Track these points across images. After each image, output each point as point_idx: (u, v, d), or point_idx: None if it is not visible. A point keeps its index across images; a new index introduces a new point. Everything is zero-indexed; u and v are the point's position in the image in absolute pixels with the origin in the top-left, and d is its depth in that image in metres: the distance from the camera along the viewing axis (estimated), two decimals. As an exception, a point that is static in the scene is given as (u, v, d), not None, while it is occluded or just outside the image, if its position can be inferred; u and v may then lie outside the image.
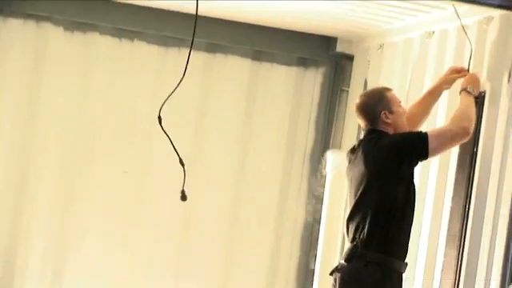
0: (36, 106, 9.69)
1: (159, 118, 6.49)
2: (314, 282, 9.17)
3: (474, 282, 6.20)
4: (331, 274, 6.89)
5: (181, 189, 6.59)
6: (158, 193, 9.65)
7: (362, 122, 6.85)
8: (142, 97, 9.27)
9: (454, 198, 6.97)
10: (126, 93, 9.57)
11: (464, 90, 6.51)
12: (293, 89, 9.92)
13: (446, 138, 6.49)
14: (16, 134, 9.66)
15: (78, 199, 9.83)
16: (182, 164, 6.55)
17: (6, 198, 9.66)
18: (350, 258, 6.65)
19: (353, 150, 6.94)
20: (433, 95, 6.93)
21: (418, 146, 6.44)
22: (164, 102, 6.48)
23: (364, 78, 9.03)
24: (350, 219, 6.73)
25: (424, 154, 6.44)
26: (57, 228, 9.85)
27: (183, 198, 6.63)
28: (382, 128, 6.68)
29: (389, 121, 6.66)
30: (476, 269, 6.22)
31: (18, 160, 9.70)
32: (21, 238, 9.75)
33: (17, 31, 9.56)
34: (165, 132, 6.49)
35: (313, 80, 9.93)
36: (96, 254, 9.82)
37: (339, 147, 9.32)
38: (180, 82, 6.48)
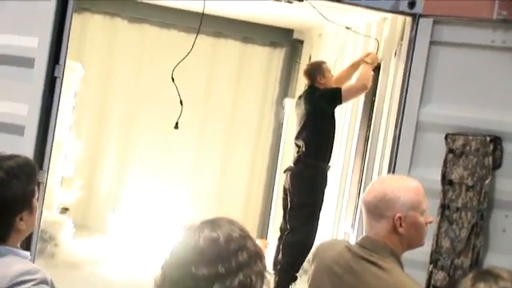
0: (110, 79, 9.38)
1: (172, 78, 6.63)
2: (276, 176, 9.20)
3: (372, 175, 6.34)
4: (285, 171, 7.12)
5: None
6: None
7: (306, 81, 7.07)
8: (170, 65, 8.90)
9: (360, 127, 7.08)
10: (161, 64, 8.81)
11: (365, 61, 6.73)
12: (266, 60, 9.88)
13: (353, 91, 6.76)
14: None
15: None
16: (181, 103, 6.68)
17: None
18: (296, 162, 6.89)
19: (300, 97, 7.18)
20: (354, 67, 7.00)
21: (335, 96, 6.68)
22: (176, 66, 6.62)
23: (309, 54, 9.06)
24: (296, 138, 6.96)
25: (339, 101, 6.70)
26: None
27: (176, 127, 6.75)
28: (318, 85, 6.91)
29: (322, 81, 6.92)
30: (372, 170, 6.37)
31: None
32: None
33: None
34: (176, 88, 6.63)
35: (278, 55, 9.92)
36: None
37: (293, 96, 9.36)
38: (189, 52, 6.64)
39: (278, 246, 6.90)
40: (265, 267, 2.13)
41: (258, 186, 9.82)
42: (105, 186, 9.47)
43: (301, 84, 9.15)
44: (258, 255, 2.11)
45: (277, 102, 9.79)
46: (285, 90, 9.86)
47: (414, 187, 2.92)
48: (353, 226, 6.71)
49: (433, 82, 5.76)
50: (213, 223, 2.13)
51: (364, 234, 2.97)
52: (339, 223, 7.23)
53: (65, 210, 8.37)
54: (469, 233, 5.41)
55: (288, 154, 8.46)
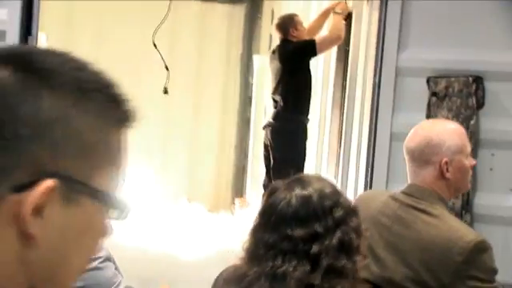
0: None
1: (154, 44, 6.54)
2: (251, 132, 9.11)
3: (352, 125, 6.30)
4: (264, 128, 7.07)
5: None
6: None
7: (278, 35, 6.97)
8: (132, 29, 8.80)
9: (335, 77, 7.07)
10: (123, 29, 9.06)
11: (335, 12, 6.67)
12: (227, 17, 9.74)
13: (327, 43, 6.66)
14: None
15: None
16: (167, 68, 6.61)
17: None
18: (275, 117, 6.82)
19: (273, 52, 7.08)
20: (324, 16, 6.91)
21: (309, 48, 6.61)
22: (155, 31, 6.52)
23: (271, 8, 8.98)
24: (273, 93, 6.88)
25: (314, 53, 6.62)
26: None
27: (165, 91, 6.71)
28: (291, 38, 6.83)
29: (294, 34, 6.82)
30: (352, 119, 6.34)
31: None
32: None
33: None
34: (160, 54, 6.53)
35: (239, 11, 9.79)
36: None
37: (258, 53, 9.30)
38: (165, 18, 6.54)
39: (264, 203, 6.85)
40: (360, 223, 2.06)
41: (230, 144, 9.75)
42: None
43: (265, 40, 9.10)
44: (352, 210, 2.05)
45: (241, 60, 9.68)
46: (248, 47, 9.74)
47: (457, 130, 2.89)
48: (336, 177, 6.68)
49: (410, 26, 5.69)
50: (301, 181, 2.05)
51: (409, 181, 2.91)
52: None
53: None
54: (458, 174, 5.42)
55: (260, 111, 8.42)
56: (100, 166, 1.02)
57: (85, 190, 1.00)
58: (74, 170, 0.98)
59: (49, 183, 0.94)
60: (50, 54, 1.04)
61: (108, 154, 1.04)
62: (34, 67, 0.99)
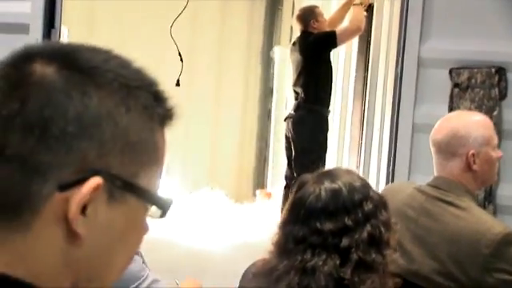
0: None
1: (171, 36, 6.48)
2: (272, 124, 9.11)
3: (374, 116, 6.27)
4: (285, 120, 7.07)
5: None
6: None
7: (299, 26, 6.97)
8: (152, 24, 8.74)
9: (357, 69, 7.06)
10: (144, 23, 8.96)
11: (355, 3, 6.65)
12: (248, 9, 9.69)
13: (347, 34, 6.65)
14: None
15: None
16: (181, 59, 6.55)
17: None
18: (296, 109, 6.83)
19: (294, 44, 7.08)
20: (345, 8, 6.91)
21: (330, 39, 6.60)
22: (173, 22, 6.47)
23: (293, 0, 8.96)
24: (294, 85, 6.89)
25: (334, 44, 6.61)
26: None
27: (177, 84, 6.62)
28: (311, 30, 6.82)
29: (315, 26, 6.82)
30: (374, 108, 6.31)
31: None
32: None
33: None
34: (176, 44, 6.47)
35: (260, 3, 9.76)
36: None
37: (279, 44, 9.29)
38: (183, 10, 6.49)
39: (286, 195, 6.85)
40: (390, 216, 2.05)
41: (251, 136, 9.73)
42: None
43: (285, 32, 9.08)
44: (382, 203, 2.03)
45: (262, 51, 9.65)
46: (269, 38, 9.71)
47: (484, 122, 2.87)
48: (358, 168, 6.67)
49: (432, 17, 5.66)
50: (330, 174, 2.03)
51: (435, 174, 2.90)
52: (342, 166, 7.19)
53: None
54: (481, 165, 5.39)
55: (281, 102, 8.41)
56: (144, 165, 1.02)
57: (130, 188, 0.99)
58: (119, 168, 0.98)
59: (95, 181, 0.94)
60: (93, 51, 1.04)
61: (152, 152, 1.04)
62: (79, 65, 0.99)
